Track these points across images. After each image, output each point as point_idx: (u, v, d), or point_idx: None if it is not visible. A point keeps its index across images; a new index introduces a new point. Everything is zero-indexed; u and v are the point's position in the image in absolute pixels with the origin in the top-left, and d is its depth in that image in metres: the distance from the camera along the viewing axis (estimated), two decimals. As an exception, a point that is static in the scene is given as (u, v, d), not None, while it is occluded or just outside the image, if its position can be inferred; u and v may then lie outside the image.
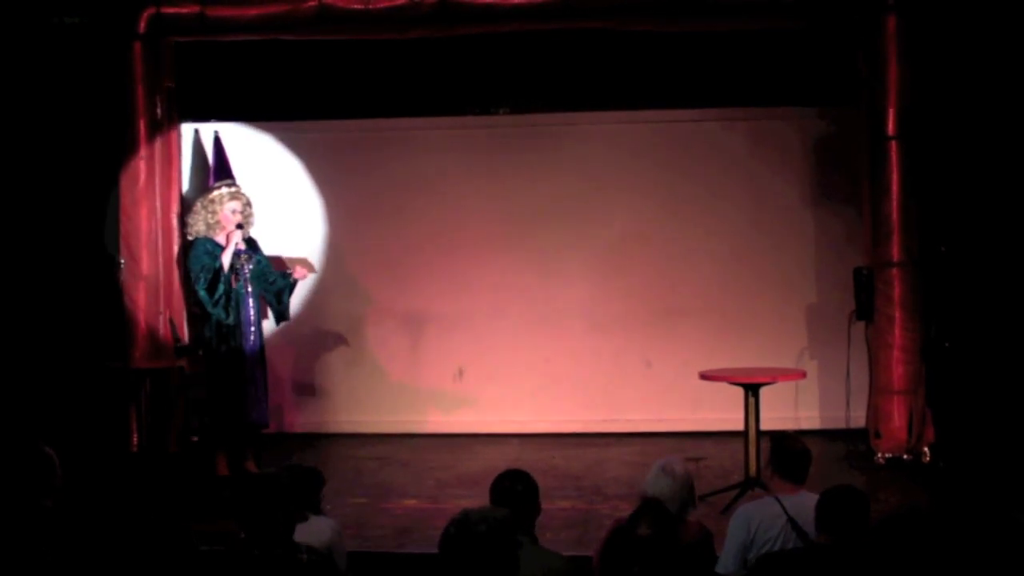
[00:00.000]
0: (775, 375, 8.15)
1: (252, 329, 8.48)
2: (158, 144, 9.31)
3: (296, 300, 8.95)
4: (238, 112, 10.08)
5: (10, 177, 9.33)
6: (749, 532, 5.19)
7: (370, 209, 10.33)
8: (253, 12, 8.97)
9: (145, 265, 9.16)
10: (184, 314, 9.42)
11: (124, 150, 9.18)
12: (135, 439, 8.93)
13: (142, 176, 9.20)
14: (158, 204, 9.30)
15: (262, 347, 8.61)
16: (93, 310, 9.19)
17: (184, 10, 9.04)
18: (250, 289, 8.47)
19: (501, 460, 8.98)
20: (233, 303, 8.36)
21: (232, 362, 8.40)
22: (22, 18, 9.18)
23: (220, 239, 8.46)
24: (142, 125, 9.18)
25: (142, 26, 9.08)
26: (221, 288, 8.31)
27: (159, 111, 9.28)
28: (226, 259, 8.35)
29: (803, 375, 8.44)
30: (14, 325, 9.23)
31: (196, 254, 8.43)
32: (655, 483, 5.21)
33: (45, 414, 8.64)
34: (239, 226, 8.45)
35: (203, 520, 6.54)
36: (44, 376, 9.10)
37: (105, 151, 9.21)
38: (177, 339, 9.14)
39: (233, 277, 8.37)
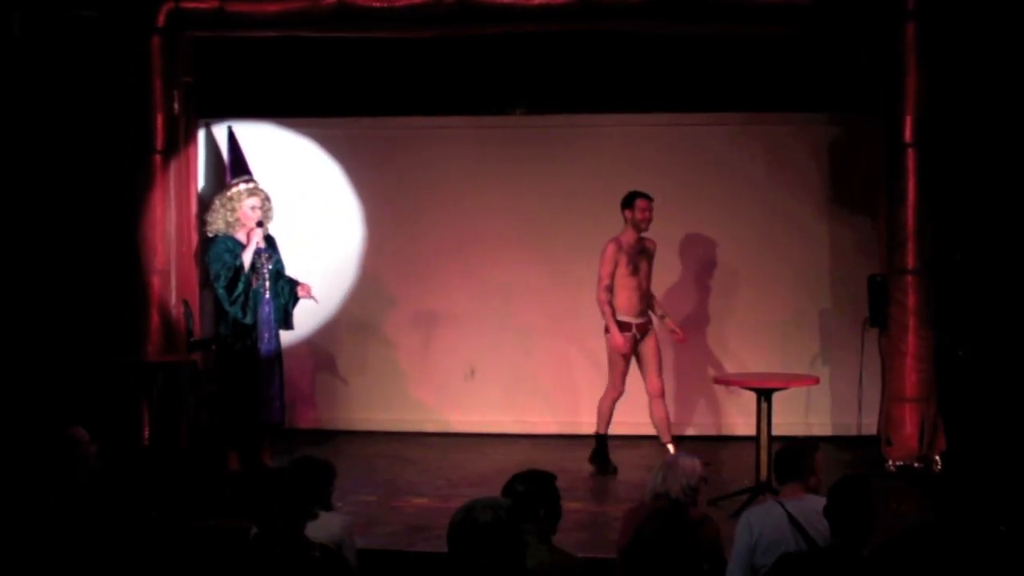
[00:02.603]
0: (788, 381, 8.14)
1: (269, 329, 8.43)
2: (175, 139, 9.31)
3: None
4: (252, 108, 10.10)
5: (26, 171, 9.35)
6: (752, 535, 5.21)
7: (383, 207, 10.36)
8: (272, 8, 8.97)
9: (160, 259, 9.16)
10: (199, 308, 9.42)
11: (141, 145, 9.18)
12: (146, 433, 8.94)
13: (158, 170, 9.20)
14: (174, 198, 9.31)
15: (278, 346, 8.57)
16: (107, 304, 9.20)
17: (203, 5, 9.03)
18: (268, 288, 8.42)
19: (511, 460, 9.00)
20: (252, 303, 8.31)
21: (247, 361, 8.36)
22: (40, 11, 9.19)
23: (240, 236, 8.41)
24: (159, 120, 9.17)
25: (161, 20, 9.08)
26: (240, 287, 8.26)
27: (176, 106, 9.28)
28: (247, 258, 8.30)
29: (816, 381, 8.42)
30: (28, 319, 9.24)
31: (216, 252, 8.37)
32: (656, 476, 5.40)
33: (58, 407, 8.65)
34: (259, 224, 8.39)
35: (214, 516, 6.57)
36: (58, 369, 9.11)
37: (121, 145, 9.21)
38: (191, 333, 9.15)
39: (254, 277, 8.32)
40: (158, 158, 9.20)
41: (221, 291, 8.29)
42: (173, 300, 9.23)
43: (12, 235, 9.27)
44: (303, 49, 9.70)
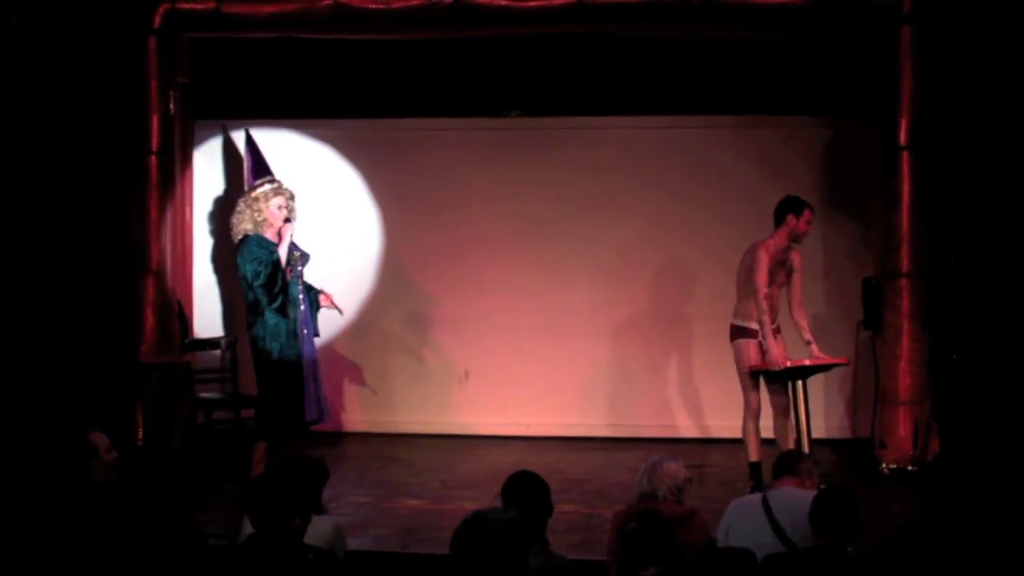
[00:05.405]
0: (819, 360, 7.84)
1: (307, 326, 8.19)
2: (170, 140, 9.31)
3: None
4: (248, 110, 10.07)
5: (21, 171, 9.33)
6: (727, 521, 5.56)
7: (376, 209, 10.35)
8: (268, 10, 8.98)
9: (154, 260, 9.17)
10: (194, 309, 9.38)
11: (136, 145, 9.18)
12: (140, 434, 8.94)
13: (153, 171, 9.20)
14: (170, 200, 9.31)
15: (314, 345, 8.33)
16: (101, 304, 9.19)
17: (200, 6, 9.04)
18: (302, 287, 8.22)
19: (505, 462, 8.98)
20: (291, 299, 8.06)
21: (288, 361, 8.07)
22: (36, 11, 9.18)
23: (269, 236, 8.16)
24: (155, 120, 9.17)
25: (157, 21, 9.09)
26: (279, 283, 7.98)
27: (172, 107, 9.29)
28: (283, 253, 8.06)
29: (847, 361, 8.33)
30: (22, 319, 9.23)
31: (251, 251, 8.05)
32: (641, 479, 5.63)
33: (52, 407, 8.64)
34: (287, 219, 8.20)
35: (208, 516, 6.57)
36: (52, 369, 9.09)
37: (117, 146, 9.20)
38: (185, 334, 9.12)
39: (288, 270, 8.06)
40: (153, 159, 9.20)
41: (260, 289, 7.97)
42: (168, 301, 9.23)
43: (6, 235, 9.26)
44: (298, 51, 9.69)
